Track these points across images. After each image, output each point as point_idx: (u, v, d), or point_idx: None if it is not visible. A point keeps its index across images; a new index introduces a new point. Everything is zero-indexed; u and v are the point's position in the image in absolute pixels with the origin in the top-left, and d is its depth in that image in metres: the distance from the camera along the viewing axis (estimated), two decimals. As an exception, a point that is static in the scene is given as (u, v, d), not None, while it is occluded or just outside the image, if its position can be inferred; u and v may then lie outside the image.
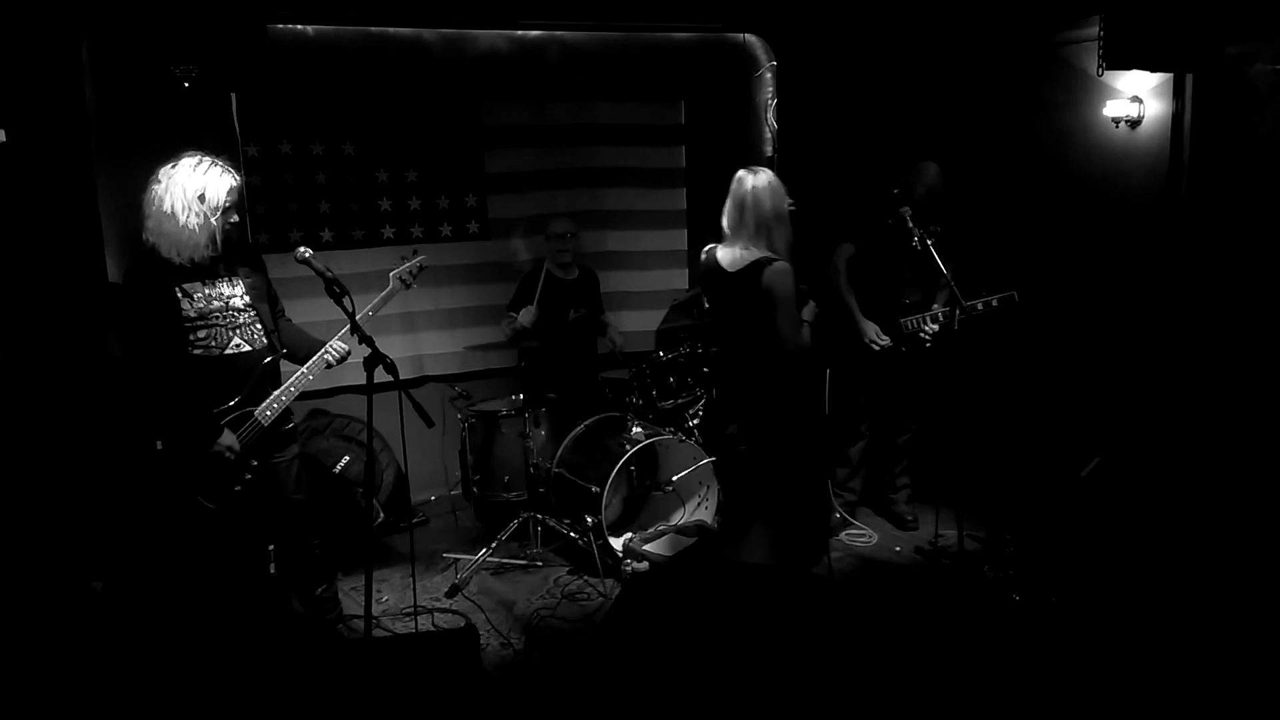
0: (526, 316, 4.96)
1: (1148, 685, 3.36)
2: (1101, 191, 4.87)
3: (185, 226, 3.22)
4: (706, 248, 3.93)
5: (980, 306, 4.41)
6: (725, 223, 3.82)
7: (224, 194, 3.28)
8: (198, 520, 3.41)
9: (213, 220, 3.26)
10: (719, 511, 4.58)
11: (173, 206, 3.21)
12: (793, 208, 3.82)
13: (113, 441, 4.01)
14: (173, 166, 3.26)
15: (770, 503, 3.96)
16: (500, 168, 5.64)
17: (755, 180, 3.75)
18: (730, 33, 5.78)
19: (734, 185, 3.80)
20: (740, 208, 3.75)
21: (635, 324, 6.00)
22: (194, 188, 3.23)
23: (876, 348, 4.62)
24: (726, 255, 3.78)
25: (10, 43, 3.68)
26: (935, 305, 4.67)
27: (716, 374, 4.64)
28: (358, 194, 5.31)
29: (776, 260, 3.66)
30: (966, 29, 5.32)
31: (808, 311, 3.79)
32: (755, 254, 3.70)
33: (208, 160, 3.29)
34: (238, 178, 3.35)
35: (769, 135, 5.86)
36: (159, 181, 3.24)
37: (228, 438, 3.35)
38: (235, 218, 3.34)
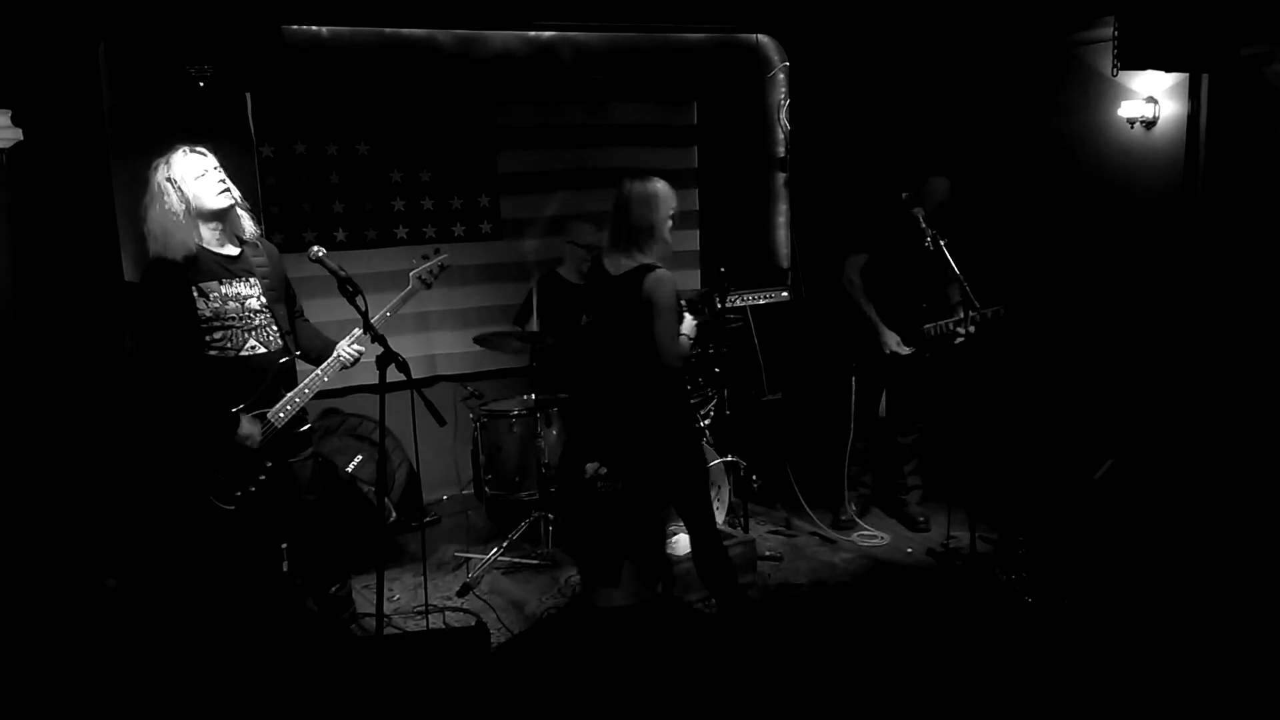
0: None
1: (1161, 690, 3.34)
2: (1115, 193, 4.84)
3: (170, 213, 3.24)
4: (594, 254, 3.75)
5: (990, 314, 4.33)
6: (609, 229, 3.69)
7: (191, 167, 3.28)
8: (212, 519, 3.42)
9: (188, 191, 3.26)
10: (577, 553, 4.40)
11: (155, 207, 3.25)
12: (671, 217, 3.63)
13: (128, 440, 4.03)
14: (151, 173, 3.29)
15: (645, 531, 3.65)
16: (513, 168, 5.65)
17: (630, 187, 3.58)
18: (743, 33, 5.78)
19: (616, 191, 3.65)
20: (615, 214, 3.62)
21: (647, 324, 6.00)
22: (161, 176, 3.26)
23: (903, 355, 4.64)
24: (611, 261, 3.64)
25: (29, 43, 3.71)
26: (956, 310, 4.65)
27: (588, 386, 4.42)
28: (371, 194, 5.33)
29: (659, 268, 3.51)
30: (980, 29, 5.30)
31: (687, 326, 3.60)
32: (637, 260, 3.54)
33: (176, 152, 3.30)
34: (208, 154, 3.34)
35: (781, 136, 5.86)
36: (148, 188, 3.28)
37: (246, 426, 3.35)
38: (220, 184, 3.33)
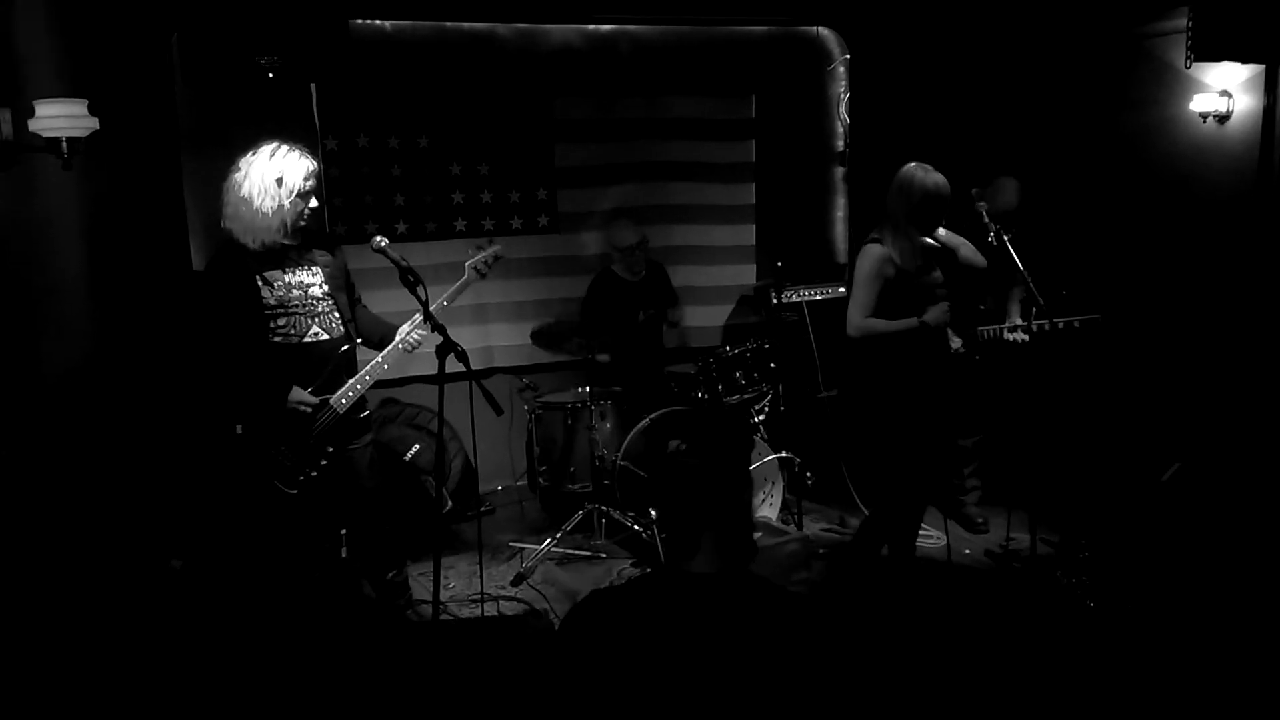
0: (604, 358, 5.08)
1: (1224, 701, 3.25)
2: (1186, 190, 4.72)
3: (260, 210, 3.29)
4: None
5: (1061, 325, 4.27)
6: None
7: (301, 178, 3.34)
8: (274, 504, 3.49)
9: (286, 204, 3.32)
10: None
11: (249, 191, 3.29)
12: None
13: (195, 426, 4.12)
14: (253, 154, 3.34)
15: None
16: (570, 161, 5.67)
17: (903, 174, 3.80)
18: (802, 26, 5.73)
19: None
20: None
21: (702, 319, 5.99)
22: (272, 173, 3.30)
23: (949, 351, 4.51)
24: None
25: (105, 34, 3.80)
26: (1013, 314, 4.55)
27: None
28: (431, 187, 5.39)
29: (873, 243, 3.74)
30: (1048, 20, 5.19)
31: (935, 313, 3.73)
32: (873, 235, 3.78)
33: (285, 146, 3.36)
34: (315, 162, 3.41)
35: (840, 130, 5.80)
36: (238, 169, 3.33)
37: (297, 393, 3.41)
38: (314, 203, 3.40)
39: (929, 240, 3.86)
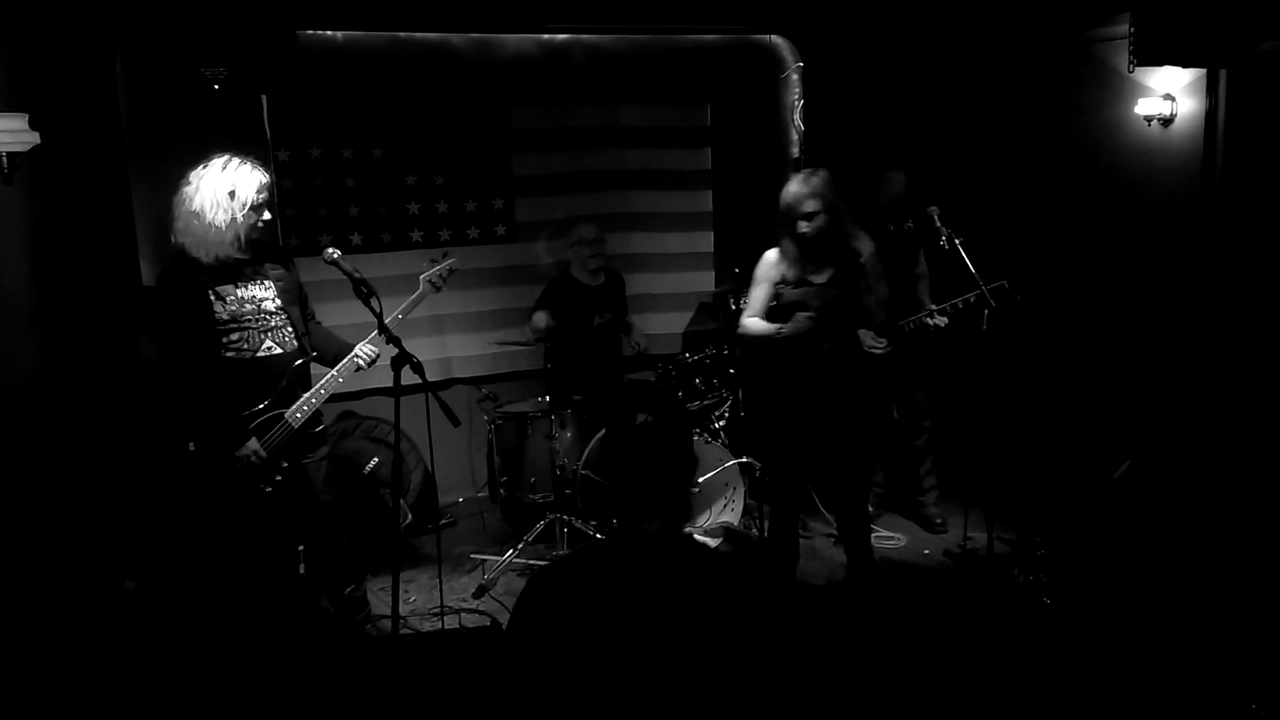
0: (540, 319, 5.07)
1: (1179, 692, 3.30)
2: (1132, 191, 4.81)
3: (212, 224, 3.25)
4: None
5: (973, 299, 4.25)
6: None
7: (253, 191, 3.31)
8: (229, 521, 3.44)
9: (239, 216, 3.28)
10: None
11: (201, 205, 3.25)
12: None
13: (146, 443, 4.06)
14: (203, 167, 3.30)
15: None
16: (527, 171, 5.67)
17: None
18: (756, 34, 5.76)
19: None
20: None
21: (661, 326, 6.00)
22: (224, 185, 3.27)
23: (878, 352, 4.42)
24: None
25: (46, 47, 3.74)
26: (925, 301, 4.61)
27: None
28: (386, 198, 5.35)
29: (772, 248, 3.92)
30: (995, 27, 5.28)
31: (790, 325, 3.81)
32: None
33: (237, 159, 3.33)
34: (267, 175, 3.38)
35: (795, 137, 5.83)
36: (189, 183, 3.29)
37: (252, 444, 3.37)
38: (266, 215, 3.36)
39: (860, 252, 3.92)
